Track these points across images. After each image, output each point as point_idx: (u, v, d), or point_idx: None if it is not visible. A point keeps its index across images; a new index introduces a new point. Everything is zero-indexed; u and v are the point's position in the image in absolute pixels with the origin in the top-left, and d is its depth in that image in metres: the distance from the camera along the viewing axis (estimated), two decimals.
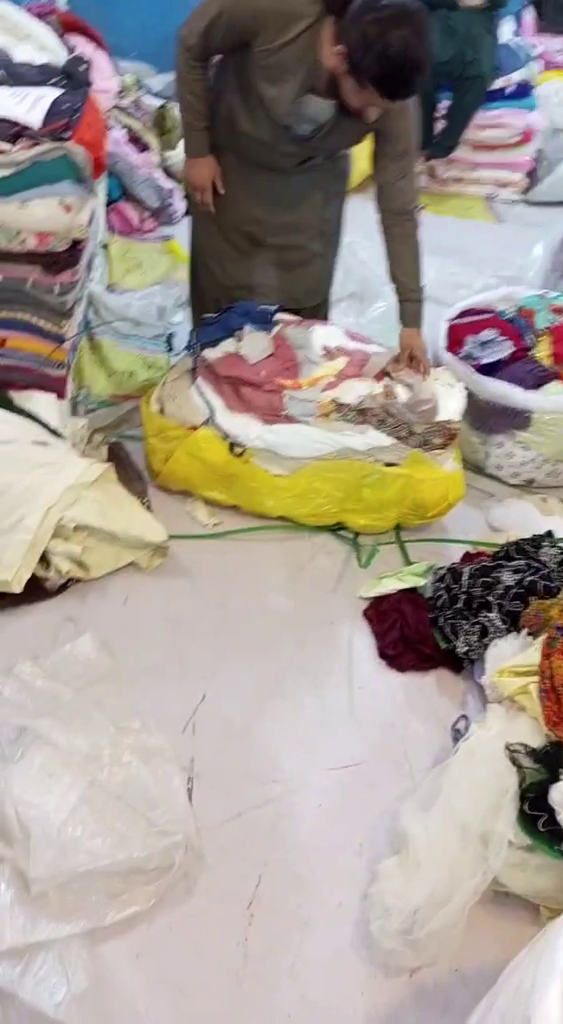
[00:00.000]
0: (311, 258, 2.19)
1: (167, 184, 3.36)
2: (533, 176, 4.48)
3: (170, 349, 2.49)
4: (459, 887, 1.42)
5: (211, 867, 1.53)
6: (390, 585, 2.10)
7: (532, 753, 1.56)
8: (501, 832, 1.46)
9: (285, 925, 1.47)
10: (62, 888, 1.41)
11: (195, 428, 2.12)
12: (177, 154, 3.47)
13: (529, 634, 1.84)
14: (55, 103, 1.98)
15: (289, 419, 2.08)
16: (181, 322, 2.84)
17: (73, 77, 2.18)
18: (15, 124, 1.91)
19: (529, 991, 0.95)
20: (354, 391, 2.09)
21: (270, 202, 2.08)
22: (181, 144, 3.49)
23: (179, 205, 3.41)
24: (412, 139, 1.92)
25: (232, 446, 2.10)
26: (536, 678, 1.67)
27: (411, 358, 2.17)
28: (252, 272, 2.24)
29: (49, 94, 2.00)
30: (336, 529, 2.28)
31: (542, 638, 1.74)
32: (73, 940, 1.38)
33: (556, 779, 1.48)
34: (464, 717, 1.83)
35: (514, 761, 1.55)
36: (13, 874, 1.41)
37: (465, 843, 1.46)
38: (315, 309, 2.41)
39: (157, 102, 3.56)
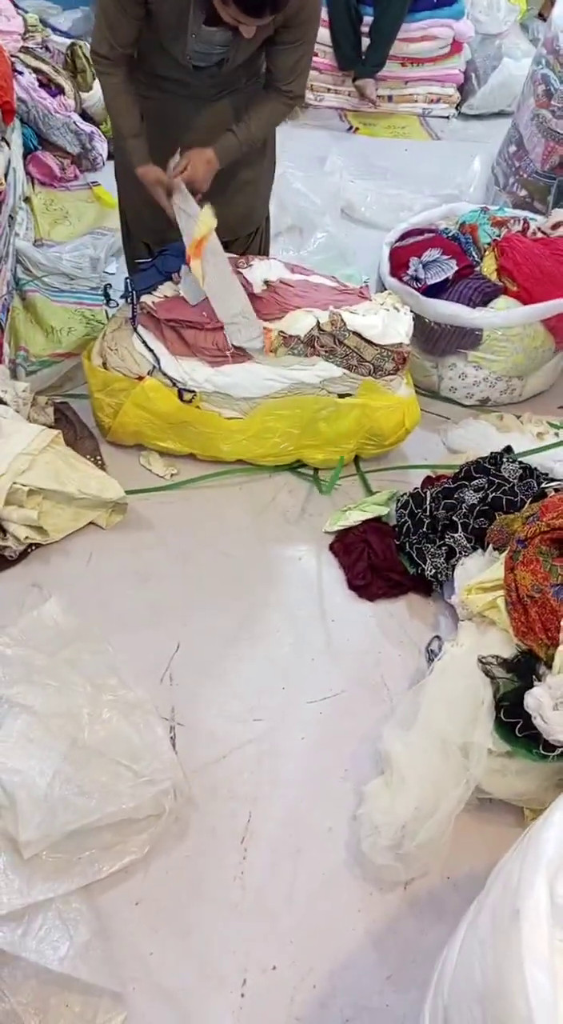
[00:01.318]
0: (242, 186, 2.12)
1: (86, 127, 3.20)
2: (466, 88, 4.36)
3: (108, 300, 2.39)
4: (444, 798, 1.45)
5: (201, 809, 1.55)
6: (354, 517, 2.10)
7: (504, 664, 1.59)
8: (480, 742, 1.50)
9: (279, 855, 1.51)
10: (55, 847, 1.42)
11: (141, 378, 2.06)
12: (93, 95, 3.30)
13: (495, 549, 1.86)
14: None
15: (237, 356, 2.03)
16: (117, 272, 2.74)
17: None
18: None
19: (516, 886, 0.98)
20: (300, 323, 2.04)
21: (196, 132, 1.99)
22: (96, 84, 3.34)
23: (101, 148, 3.26)
24: (315, 31, 1.84)
25: (181, 393, 2.05)
26: (503, 592, 1.69)
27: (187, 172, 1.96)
28: None
29: None
30: (295, 467, 2.26)
31: (506, 553, 1.76)
32: (71, 896, 1.39)
33: (529, 686, 1.51)
34: (437, 637, 1.86)
35: (487, 673, 1.58)
36: (4, 841, 1.41)
37: (446, 756, 1.50)
38: (250, 241, 2.34)
39: (66, 41, 3.36)
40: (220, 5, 1.67)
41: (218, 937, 1.41)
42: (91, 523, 2.03)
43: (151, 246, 2.23)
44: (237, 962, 1.38)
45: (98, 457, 2.17)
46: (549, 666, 1.54)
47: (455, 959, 1.07)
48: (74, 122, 3.17)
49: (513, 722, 1.50)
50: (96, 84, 3.34)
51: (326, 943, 1.41)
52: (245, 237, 2.31)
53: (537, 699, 1.46)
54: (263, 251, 2.42)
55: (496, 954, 0.92)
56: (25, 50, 3.17)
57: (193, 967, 1.37)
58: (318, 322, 2.03)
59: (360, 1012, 1.34)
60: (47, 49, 3.30)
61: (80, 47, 3.33)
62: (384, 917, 1.44)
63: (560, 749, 1.44)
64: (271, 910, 1.44)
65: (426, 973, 1.16)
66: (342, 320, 2.03)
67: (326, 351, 2.04)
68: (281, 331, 2.02)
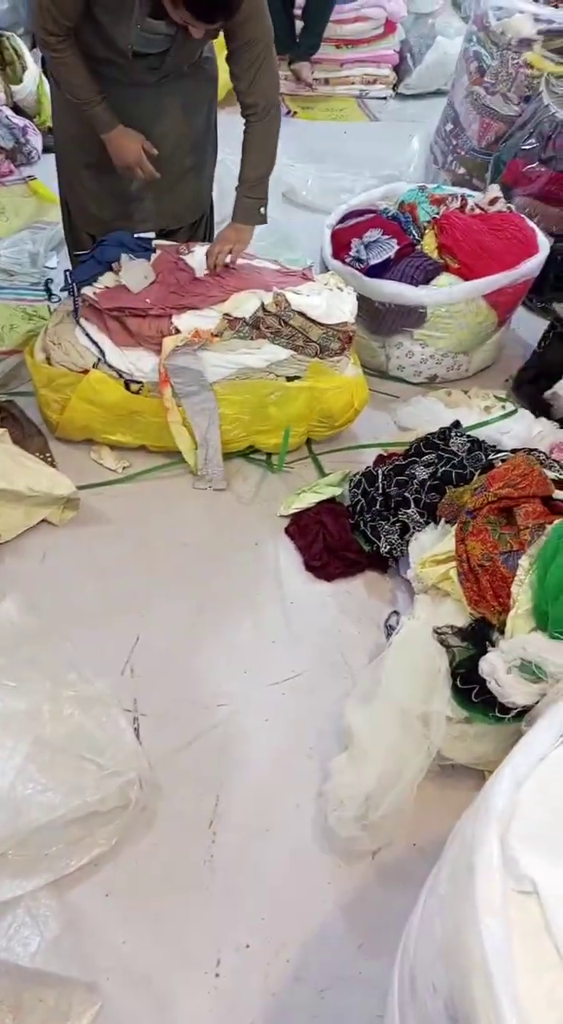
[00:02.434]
0: (184, 172, 2.11)
1: (19, 121, 3.14)
2: (401, 69, 4.39)
3: (50, 295, 2.37)
4: (406, 767, 1.48)
5: (168, 797, 1.55)
6: (308, 499, 2.11)
7: (459, 632, 1.62)
8: (439, 710, 1.53)
9: (247, 836, 1.52)
10: (22, 845, 1.41)
11: (86, 372, 2.04)
12: (24, 87, 3.24)
13: (447, 522, 1.89)
14: None
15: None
16: (57, 266, 2.71)
17: None
18: None
19: (471, 842, 1.00)
20: (245, 305, 2.04)
21: (135, 118, 1.97)
22: (27, 76, 3.28)
23: (36, 142, 3.21)
24: (261, 29, 1.83)
25: (128, 383, 2.04)
26: (455, 563, 1.72)
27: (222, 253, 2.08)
28: (127, 200, 2.14)
29: None
30: (247, 453, 2.26)
31: (456, 524, 1.78)
32: (40, 892, 1.39)
33: (483, 652, 1.54)
34: (395, 612, 1.88)
35: (443, 642, 1.61)
36: None
37: (406, 726, 1.52)
38: (195, 229, 2.33)
39: None
40: (170, 6, 1.66)
41: (190, 921, 1.41)
42: (44, 521, 2.01)
43: (96, 237, 2.21)
44: (210, 943, 1.39)
45: (47, 454, 2.15)
46: (501, 632, 1.57)
47: (418, 920, 1.09)
48: (6, 116, 3.12)
49: (469, 688, 1.53)
50: (27, 76, 3.28)
51: (298, 918, 1.43)
52: (190, 226, 2.30)
53: (491, 664, 1.49)
54: (208, 238, 2.41)
55: (454, 909, 0.94)
56: None
57: (166, 952, 1.38)
58: (263, 304, 2.03)
59: (334, 982, 1.37)
60: None
61: (7, 38, 3.26)
62: (353, 888, 1.46)
63: (515, 711, 1.48)
64: (242, 890, 1.45)
65: (396, 939, 1.18)
66: (286, 300, 2.03)
67: (272, 332, 2.04)
68: (226, 314, 2.01)
